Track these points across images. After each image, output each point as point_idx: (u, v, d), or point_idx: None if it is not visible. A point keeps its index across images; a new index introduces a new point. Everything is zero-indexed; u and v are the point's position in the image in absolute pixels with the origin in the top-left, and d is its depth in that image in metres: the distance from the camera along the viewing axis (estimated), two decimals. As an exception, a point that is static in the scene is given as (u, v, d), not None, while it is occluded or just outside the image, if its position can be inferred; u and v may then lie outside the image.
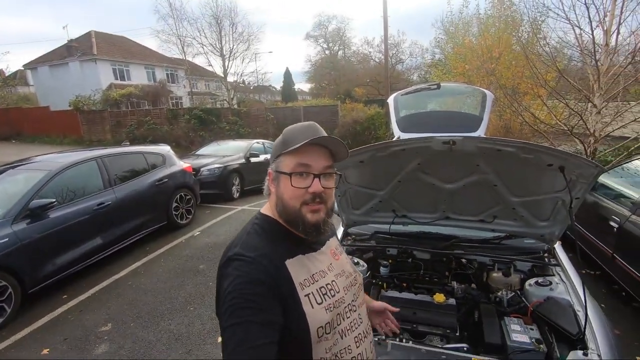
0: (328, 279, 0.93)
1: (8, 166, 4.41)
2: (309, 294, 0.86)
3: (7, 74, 30.74)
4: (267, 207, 0.99)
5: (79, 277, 4.14)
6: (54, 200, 3.83)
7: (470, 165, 1.89)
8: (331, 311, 0.88)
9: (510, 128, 7.63)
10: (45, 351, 2.96)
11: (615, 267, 3.19)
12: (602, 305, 3.21)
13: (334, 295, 0.91)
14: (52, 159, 4.57)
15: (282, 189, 0.91)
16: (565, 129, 5.74)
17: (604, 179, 3.92)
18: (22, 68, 29.31)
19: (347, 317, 0.94)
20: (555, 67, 5.70)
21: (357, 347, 0.94)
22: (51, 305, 3.66)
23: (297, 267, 0.88)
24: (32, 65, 27.03)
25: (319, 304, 0.87)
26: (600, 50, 5.47)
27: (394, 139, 2.69)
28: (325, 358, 0.86)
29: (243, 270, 0.81)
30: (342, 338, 0.90)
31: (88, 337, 3.12)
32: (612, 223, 3.21)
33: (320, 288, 0.89)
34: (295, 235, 0.92)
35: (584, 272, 3.82)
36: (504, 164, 1.81)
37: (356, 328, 0.96)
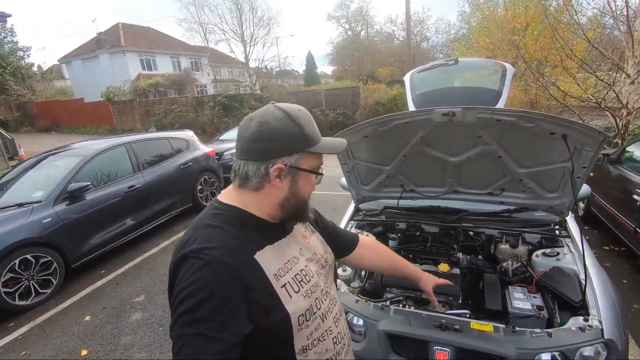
0: (301, 265, 0.90)
1: (48, 153, 4.78)
2: (285, 284, 0.83)
3: (44, 69, 32.38)
4: (228, 195, 0.89)
5: (115, 255, 4.49)
6: (89, 183, 4.15)
7: (473, 136, 1.89)
8: (309, 297, 0.87)
9: (536, 103, 7.27)
10: (87, 318, 3.29)
11: (638, 243, 3.10)
12: (624, 281, 3.16)
13: (310, 281, 0.89)
14: (85, 146, 4.92)
15: (301, 185, 0.87)
16: (595, 101, 5.43)
17: (633, 150, 3.74)
18: (58, 62, 30.83)
19: (325, 300, 0.93)
20: (585, 37, 5.37)
21: (337, 327, 0.95)
22: (91, 279, 4.01)
23: (269, 258, 0.83)
24: (66, 60, 28.38)
25: (297, 292, 0.84)
26: (635, 14, 5.09)
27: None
28: (308, 344, 0.85)
29: (202, 273, 0.72)
30: (323, 321, 0.90)
31: (124, 306, 3.43)
32: (635, 197, 3.09)
33: (295, 275, 0.86)
34: (262, 223, 0.87)
35: (607, 248, 3.73)
36: (506, 134, 1.80)
37: (333, 308, 0.96)
